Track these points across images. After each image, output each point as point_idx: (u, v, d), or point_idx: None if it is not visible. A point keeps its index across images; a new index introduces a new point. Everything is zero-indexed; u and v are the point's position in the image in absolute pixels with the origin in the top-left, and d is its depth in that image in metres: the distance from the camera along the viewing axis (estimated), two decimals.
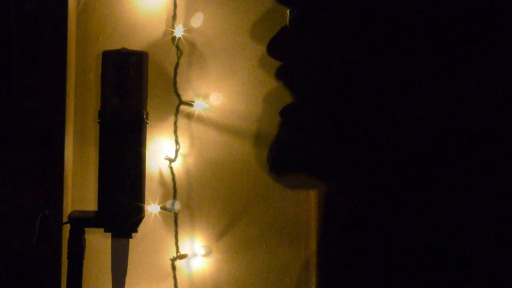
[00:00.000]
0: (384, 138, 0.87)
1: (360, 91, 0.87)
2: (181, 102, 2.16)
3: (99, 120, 1.93)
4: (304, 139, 0.89)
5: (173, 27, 2.16)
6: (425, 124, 0.85)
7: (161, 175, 2.16)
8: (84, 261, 1.92)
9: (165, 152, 2.15)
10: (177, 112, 2.16)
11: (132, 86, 1.92)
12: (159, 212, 2.13)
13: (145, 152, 1.93)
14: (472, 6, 0.84)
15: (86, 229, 1.92)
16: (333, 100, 0.86)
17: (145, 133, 1.95)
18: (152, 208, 2.12)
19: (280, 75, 0.90)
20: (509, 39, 0.86)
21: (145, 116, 1.93)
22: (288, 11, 0.90)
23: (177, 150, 2.15)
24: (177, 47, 2.16)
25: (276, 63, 2.13)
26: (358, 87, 0.88)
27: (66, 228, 1.95)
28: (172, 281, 2.14)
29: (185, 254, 2.14)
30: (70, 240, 1.91)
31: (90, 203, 2.13)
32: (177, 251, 2.14)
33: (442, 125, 0.84)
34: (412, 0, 0.85)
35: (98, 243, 2.11)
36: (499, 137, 0.85)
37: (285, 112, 0.91)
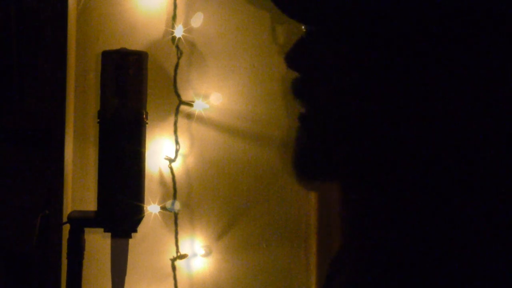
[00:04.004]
0: (387, 138, 0.87)
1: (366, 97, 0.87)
2: (181, 102, 2.16)
3: (98, 120, 1.93)
4: (322, 144, 0.89)
5: (173, 27, 2.16)
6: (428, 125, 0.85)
7: (161, 175, 2.16)
8: (84, 261, 1.92)
9: (165, 152, 2.15)
10: (177, 112, 2.16)
11: (132, 86, 1.91)
12: (159, 212, 2.13)
13: (145, 152, 1.93)
14: (472, 6, 0.84)
15: (86, 229, 1.92)
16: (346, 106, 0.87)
17: (145, 133, 1.95)
18: (152, 208, 2.11)
19: (297, 86, 0.90)
20: (509, 39, 0.86)
21: (145, 116, 1.93)
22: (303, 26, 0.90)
23: (177, 150, 2.15)
24: (177, 47, 2.16)
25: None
26: (365, 93, 0.89)
27: (66, 228, 1.95)
28: (172, 281, 2.14)
29: (185, 254, 2.14)
30: (70, 240, 1.91)
31: (90, 203, 2.13)
32: (177, 251, 2.14)
33: (443, 125, 0.84)
34: (413, 1, 0.85)
35: (98, 243, 2.11)
36: (499, 137, 0.85)
37: (302, 119, 0.91)
